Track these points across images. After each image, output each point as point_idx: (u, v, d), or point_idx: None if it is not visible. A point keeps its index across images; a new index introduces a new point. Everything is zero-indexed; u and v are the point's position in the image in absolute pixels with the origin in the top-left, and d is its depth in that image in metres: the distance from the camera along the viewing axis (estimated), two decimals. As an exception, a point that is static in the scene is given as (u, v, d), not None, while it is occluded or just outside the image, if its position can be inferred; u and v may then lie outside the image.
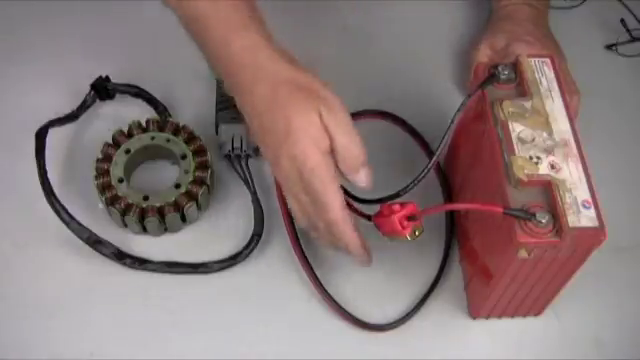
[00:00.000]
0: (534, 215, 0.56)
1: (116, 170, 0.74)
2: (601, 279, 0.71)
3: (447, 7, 0.94)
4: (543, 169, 0.59)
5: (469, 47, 0.86)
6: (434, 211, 0.67)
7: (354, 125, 0.61)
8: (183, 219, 0.74)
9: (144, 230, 0.74)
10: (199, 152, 0.76)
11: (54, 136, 0.76)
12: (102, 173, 0.74)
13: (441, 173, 0.79)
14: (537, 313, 0.70)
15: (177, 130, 0.77)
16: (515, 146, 0.60)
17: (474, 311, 0.71)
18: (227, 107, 0.79)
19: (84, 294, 0.71)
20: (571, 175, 0.59)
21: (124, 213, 0.72)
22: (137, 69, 0.84)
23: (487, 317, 0.71)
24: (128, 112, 0.80)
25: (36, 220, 0.73)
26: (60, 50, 0.86)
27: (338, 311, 0.70)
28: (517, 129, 0.61)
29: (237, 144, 0.77)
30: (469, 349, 0.71)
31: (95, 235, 0.71)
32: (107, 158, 0.75)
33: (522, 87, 0.64)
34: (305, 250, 0.72)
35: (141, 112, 0.81)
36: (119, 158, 0.75)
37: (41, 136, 0.74)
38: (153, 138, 0.77)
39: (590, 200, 0.58)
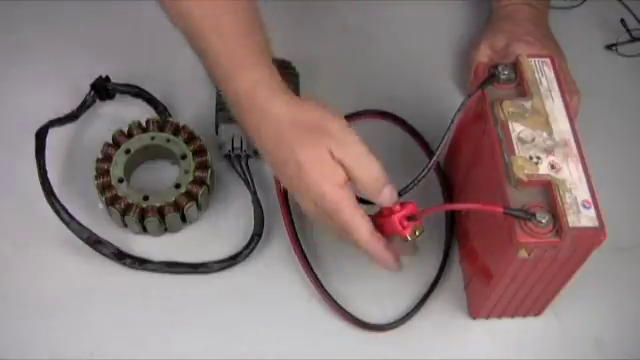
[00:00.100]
0: (534, 215, 0.56)
1: (116, 170, 0.74)
2: (601, 279, 0.71)
3: (447, 7, 0.94)
4: (543, 169, 0.59)
5: (469, 47, 0.86)
6: (434, 211, 0.67)
7: (368, 151, 0.61)
8: (183, 219, 0.74)
9: (144, 230, 0.74)
10: (199, 152, 0.76)
11: (54, 136, 0.76)
12: (102, 173, 0.74)
13: (441, 173, 0.79)
14: (537, 313, 0.70)
15: (177, 130, 0.77)
16: (515, 146, 0.60)
17: (474, 311, 0.71)
18: (227, 107, 0.78)
19: (84, 294, 0.71)
20: (571, 175, 0.59)
21: (124, 213, 0.72)
22: (137, 69, 0.84)
23: (487, 317, 0.71)
24: (128, 112, 0.80)
25: (36, 220, 0.73)
26: (60, 50, 0.86)
27: (338, 311, 0.70)
28: (517, 129, 0.61)
29: (237, 144, 0.77)
30: (469, 349, 0.71)
31: (95, 235, 0.71)
32: (107, 158, 0.75)
33: (522, 87, 0.64)
34: (305, 250, 0.72)
35: (141, 112, 0.81)
36: (119, 158, 0.75)
37: (41, 136, 0.74)
38: (153, 138, 0.77)
39: (590, 200, 0.58)
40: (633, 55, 0.89)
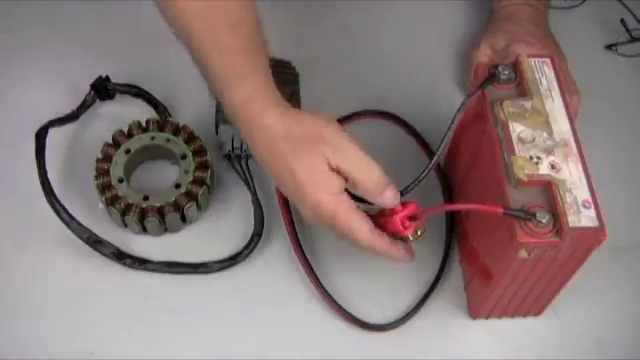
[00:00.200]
0: (534, 215, 0.56)
1: (116, 170, 0.74)
2: (601, 279, 0.71)
3: (447, 7, 0.94)
4: (543, 169, 0.59)
5: (469, 47, 0.86)
6: (435, 211, 0.67)
7: (365, 155, 0.61)
8: (183, 219, 0.74)
9: (144, 230, 0.74)
10: (199, 152, 0.76)
11: (54, 136, 0.76)
12: (102, 173, 0.74)
13: (441, 173, 0.79)
14: (537, 313, 0.70)
15: (177, 130, 0.77)
16: (515, 146, 0.60)
17: (474, 311, 0.71)
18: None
19: (84, 294, 0.71)
20: (571, 175, 0.59)
21: (124, 213, 0.72)
22: (137, 69, 0.84)
23: (487, 317, 0.71)
24: (128, 112, 0.80)
25: (36, 220, 0.73)
26: (60, 50, 0.86)
27: (338, 311, 0.70)
28: (517, 129, 0.61)
29: (237, 144, 0.77)
30: (469, 349, 0.71)
31: (95, 235, 0.71)
32: (107, 158, 0.75)
33: (522, 87, 0.64)
34: (305, 250, 0.72)
35: (141, 112, 0.81)
36: (119, 158, 0.75)
37: (41, 136, 0.74)
38: (153, 138, 0.77)
39: (590, 200, 0.58)
40: (633, 55, 0.89)
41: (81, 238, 0.71)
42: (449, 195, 0.77)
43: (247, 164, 0.78)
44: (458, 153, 0.75)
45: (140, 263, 0.72)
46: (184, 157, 0.75)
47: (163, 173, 0.78)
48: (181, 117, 0.81)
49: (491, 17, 0.87)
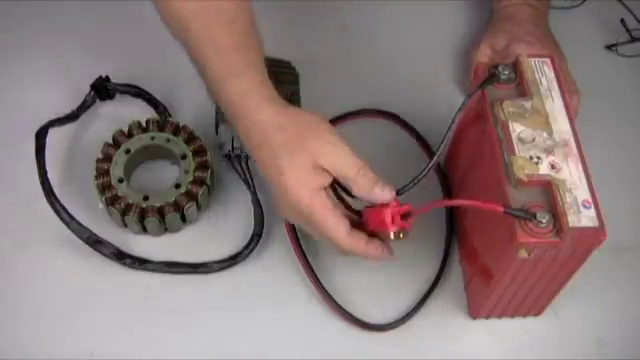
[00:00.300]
0: (534, 215, 0.56)
1: (116, 170, 0.74)
2: (602, 279, 0.71)
3: (448, 7, 0.94)
4: (543, 169, 0.59)
5: (469, 47, 0.86)
6: (433, 207, 0.67)
7: (354, 154, 0.61)
8: (183, 219, 0.74)
9: (144, 230, 0.74)
10: (199, 152, 0.76)
11: (54, 136, 0.76)
12: (102, 173, 0.74)
13: (441, 173, 0.79)
14: (537, 313, 0.70)
15: (177, 130, 0.77)
16: (515, 146, 0.60)
17: (474, 311, 0.71)
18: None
19: (84, 294, 0.71)
20: (571, 175, 0.59)
21: (124, 213, 0.72)
22: (137, 69, 0.84)
23: (487, 317, 0.71)
24: (128, 112, 0.80)
25: (36, 220, 0.73)
26: (60, 50, 0.86)
27: (338, 311, 0.70)
28: (517, 129, 0.61)
29: (237, 144, 0.77)
30: (469, 349, 0.71)
31: (95, 235, 0.71)
32: (107, 158, 0.75)
33: (522, 87, 0.64)
34: (305, 250, 0.72)
35: (141, 112, 0.81)
36: (119, 158, 0.75)
37: (41, 136, 0.74)
38: (153, 138, 0.77)
39: (590, 200, 0.58)
40: (633, 55, 0.89)
41: (81, 238, 0.71)
42: (449, 195, 0.77)
43: (247, 164, 0.78)
44: (458, 153, 0.75)
45: (140, 263, 0.72)
46: (184, 157, 0.75)
47: (163, 173, 0.78)
48: (181, 117, 0.81)
49: (491, 17, 0.87)
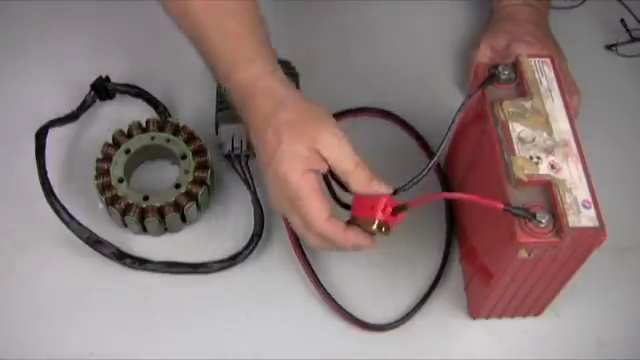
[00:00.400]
0: (534, 215, 0.56)
1: (116, 170, 0.74)
2: (602, 279, 0.71)
3: (447, 7, 0.94)
4: (543, 169, 0.59)
5: (469, 47, 0.86)
6: (432, 199, 0.66)
7: (351, 140, 0.62)
8: (183, 219, 0.74)
9: (144, 230, 0.74)
10: (199, 152, 0.76)
11: (54, 136, 0.76)
12: (102, 173, 0.74)
13: (441, 173, 0.79)
14: (537, 313, 0.70)
15: (177, 130, 0.77)
16: (515, 146, 0.60)
17: (474, 311, 0.71)
18: (227, 107, 0.78)
19: (84, 294, 0.71)
20: (571, 175, 0.59)
21: (124, 213, 0.72)
22: (137, 69, 0.84)
23: (487, 317, 0.71)
24: (128, 112, 0.80)
25: (36, 220, 0.73)
26: (60, 50, 0.86)
27: (338, 311, 0.70)
28: (517, 129, 0.61)
29: (237, 144, 0.77)
30: (469, 349, 0.71)
31: (95, 235, 0.71)
32: (107, 158, 0.75)
33: (522, 87, 0.64)
34: (305, 250, 0.72)
35: (141, 112, 0.81)
36: (119, 158, 0.75)
37: (41, 136, 0.74)
38: (153, 138, 0.77)
39: (590, 200, 0.58)
40: (633, 55, 0.89)
41: (81, 238, 0.71)
42: (449, 195, 0.77)
43: (247, 164, 0.78)
44: (458, 153, 0.75)
45: (140, 263, 0.72)
46: (184, 157, 0.75)
47: (163, 173, 0.78)
48: (181, 117, 0.81)
49: (491, 17, 0.87)
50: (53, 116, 0.78)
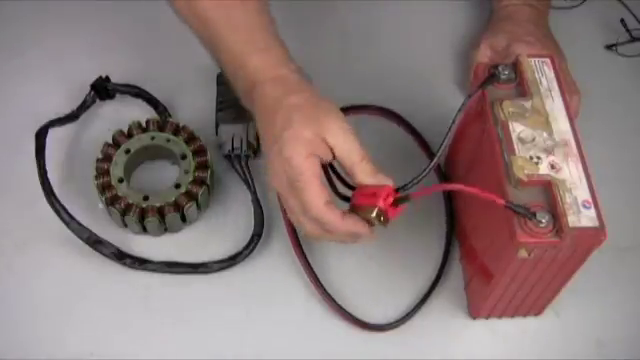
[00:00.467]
0: (534, 214, 0.56)
1: (116, 170, 0.74)
2: (602, 279, 0.71)
3: (447, 7, 0.94)
4: (543, 169, 0.59)
5: (469, 47, 0.86)
6: (433, 190, 0.66)
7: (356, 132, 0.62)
8: (183, 219, 0.74)
9: (144, 230, 0.74)
10: (199, 152, 0.76)
11: (54, 136, 0.76)
12: (102, 173, 0.74)
13: (441, 173, 0.79)
14: (537, 313, 0.70)
15: (177, 130, 0.77)
16: (515, 146, 0.60)
17: (474, 311, 0.71)
18: (227, 107, 0.79)
19: (84, 294, 0.71)
20: (571, 175, 0.59)
21: (124, 213, 0.72)
22: (137, 69, 0.84)
23: (487, 317, 0.71)
24: (128, 112, 0.80)
25: (36, 220, 0.73)
26: (60, 50, 0.86)
27: (338, 311, 0.70)
28: (517, 129, 0.61)
29: (237, 144, 0.77)
30: (469, 349, 0.71)
31: (95, 235, 0.71)
32: (107, 158, 0.75)
33: (522, 87, 0.64)
34: (305, 250, 0.72)
35: (141, 112, 0.81)
36: (119, 158, 0.75)
37: (41, 136, 0.74)
38: (153, 138, 0.77)
39: (590, 200, 0.58)
40: (633, 55, 0.89)
41: (81, 238, 0.71)
42: (448, 194, 0.77)
43: (247, 164, 0.78)
44: (458, 153, 0.75)
45: (140, 263, 0.72)
46: (184, 157, 0.75)
47: (163, 173, 0.78)
48: (181, 117, 0.81)
49: (491, 17, 0.87)
50: (53, 116, 0.78)
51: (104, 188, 0.73)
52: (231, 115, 0.78)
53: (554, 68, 0.65)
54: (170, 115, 0.81)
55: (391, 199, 0.60)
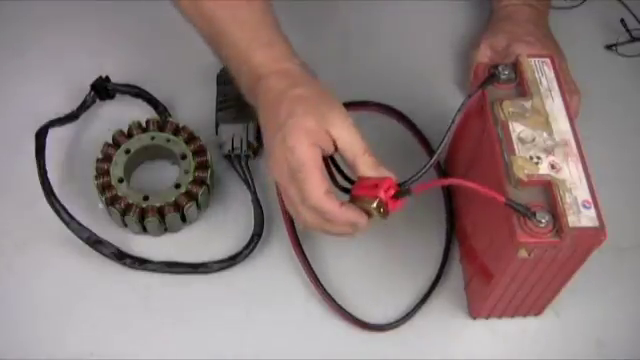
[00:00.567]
0: (534, 214, 0.56)
1: (116, 170, 0.74)
2: (602, 279, 0.71)
3: (447, 7, 0.94)
4: (543, 169, 0.59)
5: (469, 47, 0.86)
6: (434, 184, 0.66)
7: (354, 126, 0.62)
8: (183, 219, 0.74)
9: (144, 230, 0.74)
10: (199, 152, 0.76)
11: (54, 136, 0.76)
12: (102, 173, 0.74)
13: (441, 171, 0.79)
14: (537, 313, 0.70)
15: (177, 130, 0.77)
16: (515, 146, 0.60)
17: (474, 311, 0.71)
18: (227, 107, 0.79)
19: (84, 294, 0.71)
20: (571, 175, 0.59)
21: (124, 213, 0.72)
22: (137, 69, 0.84)
23: (487, 317, 0.71)
24: (128, 112, 0.80)
25: (36, 220, 0.73)
26: (60, 50, 0.86)
27: (338, 311, 0.70)
28: (517, 129, 0.61)
29: (237, 144, 0.77)
30: (469, 349, 0.71)
31: (95, 235, 0.71)
32: (107, 158, 0.75)
33: (522, 87, 0.64)
34: (305, 250, 0.72)
35: (141, 112, 0.81)
36: (119, 158, 0.75)
37: (41, 136, 0.74)
38: (153, 138, 0.77)
39: (590, 200, 0.58)
40: (633, 55, 0.89)
41: (81, 238, 0.71)
42: (448, 194, 0.77)
43: (247, 164, 0.78)
44: (458, 151, 0.75)
45: (140, 263, 0.72)
46: (184, 157, 0.75)
47: (163, 173, 0.78)
48: (181, 117, 0.81)
49: (491, 17, 0.87)
50: (53, 116, 0.78)
51: (104, 188, 0.73)
52: (231, 115, 0.78)
53: (554, 68, 0.65)
54: (170, 115, 0.81)
55: (392, 191, 0.60)
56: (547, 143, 0.61)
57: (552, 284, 0.64)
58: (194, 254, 0.73)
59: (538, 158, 0.60)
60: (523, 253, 0.58)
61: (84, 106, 0.81)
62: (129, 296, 0.71)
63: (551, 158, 0.60)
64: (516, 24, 0.83)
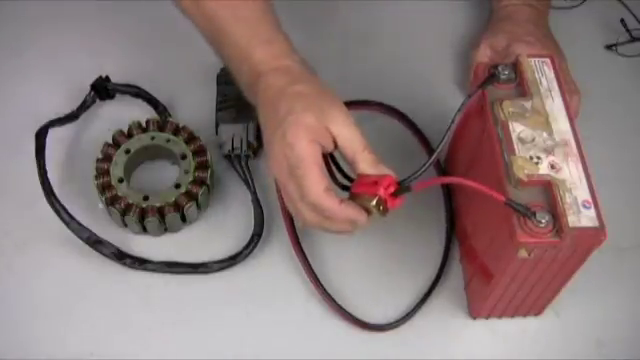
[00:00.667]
0: (534, 214, 0.56)
1: (116, 170, 0.74)
2: (602, 279, 0.71)
3: (447, 7, 0.94)
4: (543, 169, 0.59)
5: (469, 47, 0.86)
6: (433, 183, 0.67)
7: (354, 123, 0.62)
8: (183, 219, 0.74)
9: (144, 230, 0.74)
10: (199, 152, 0.76)
11: (54, 136, 0.76)
12: (102, 173, 0.74)
13: (441, 170, 0.79)
14: (537, 313, 0.70)
15: (177, 130, 0.77)
16: (515, 146, 0.60)
17: (474, 311, 0.71)
18: (227, 107, 0.79)
19: (84, 294, 0.71)
20: (571, 175, 0.59)
21: (124, 213, 0.72)
22: (137, 69, 0.84)
23: (487, 317, 0.71)
24: (128, 112, 0.80)
25: (36, 220, 0.73)
26: (60, 50, 0.86)
27: (338, 311, 0.70)
28: (517, 129, 0.61)
29: (237, 144, 0.77)
30: (469, 349, 0.71)
31: (95, 235, 0.71)
32: (107, 158, 0.75)
33: (522, 87, 0.64)
34: (305, 250, 0.72)
35: (141, 112, 0.81)
36: (119, 158, 0.75)
37: (41, 136, 0.74)
38: (153, 138, 0.77)
39: (590, 200, 0.58)
40: (633, 55, 0.89)
41: (81, 238, 0.71)
42: (448, 193, 0.77)
43: (247, 164, 0.78)
44: (458, 150, 0.75)
45: (140, 263, 0.72)
46: (184, 157, 0.75)
47: (163, 173, 0.78)
48: (181, 117, 0.81)
49: (491, 17, 0.87)
50: (53, 116, 0.78)
51: (104, 188, 0.73)
52: (231, 115, 0.78)
53: (554, 68, 0.65)
54: (170, 115, 0.81)
55: (392, 189, 0.59)
56: (547, 143, 0.61)
57: (552, 284, 0.64)
58: (194, 254, 0.73)
59: (538, 158, 0.60)
60: (523, 253, 0.58)
61: (84, 106, 0.81)
62: (129, 296, 0.71)
63: (551, 158, 0.60)
64: (516, 24, 0.83)
